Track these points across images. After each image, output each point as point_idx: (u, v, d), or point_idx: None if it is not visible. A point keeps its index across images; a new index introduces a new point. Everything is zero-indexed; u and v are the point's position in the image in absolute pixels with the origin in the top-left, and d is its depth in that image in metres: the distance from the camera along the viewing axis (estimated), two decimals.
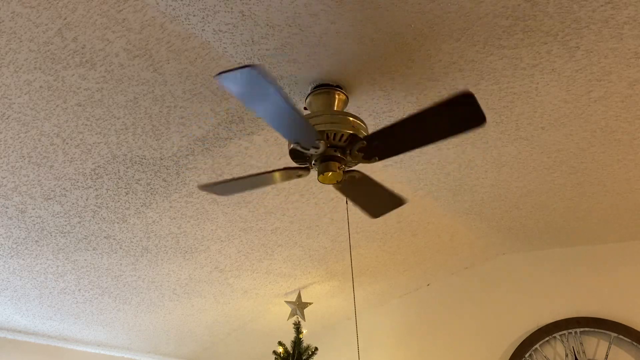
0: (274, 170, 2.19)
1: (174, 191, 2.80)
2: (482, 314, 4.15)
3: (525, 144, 2.64)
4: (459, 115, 1.82)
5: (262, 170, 2.75)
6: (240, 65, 1.82)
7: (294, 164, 2.25)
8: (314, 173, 2.21)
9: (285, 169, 2.19)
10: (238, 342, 4.86)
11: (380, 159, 2.09)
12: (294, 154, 2.13)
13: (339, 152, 2.07)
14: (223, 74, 1.61)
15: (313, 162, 2.12)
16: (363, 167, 2.50)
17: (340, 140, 2.05)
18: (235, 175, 2.75)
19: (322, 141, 1.98)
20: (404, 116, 2.31)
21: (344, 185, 2.27)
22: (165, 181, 2.72)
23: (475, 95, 1.74)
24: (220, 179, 2.76)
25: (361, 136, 2.05)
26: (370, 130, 2.53)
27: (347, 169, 2.17)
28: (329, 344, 4.77)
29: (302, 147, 2.02)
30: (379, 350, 4.53)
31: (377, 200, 2.44)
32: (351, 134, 2.04)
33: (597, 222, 3.46)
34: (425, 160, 2.79)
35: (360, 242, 3.62)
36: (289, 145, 2.08)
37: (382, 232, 3.53)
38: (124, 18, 1.83)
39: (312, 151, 2.03)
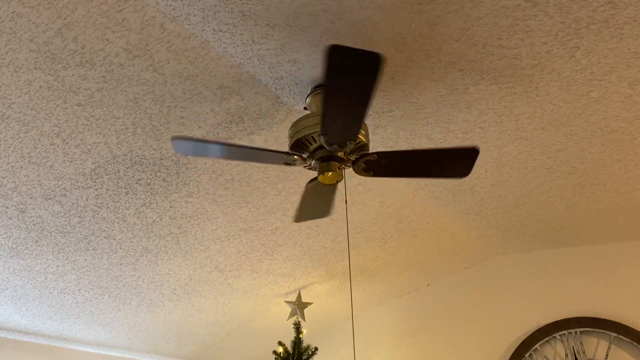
0: (268, 150, 2.16)
1: (174, 191, 2.80)
2: (482, 314, 4.15)
3: (525, 144, 2.64)
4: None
5: (262, 170, 2.75)
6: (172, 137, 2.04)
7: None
8: (314, 173, 2.21)
9: (279, 152, 2.15)
10: (238, 342, 4.86)
11: (375, 175, 2.19)
12: (295, 147, 2.12)
13: (341, 152, 2.08)
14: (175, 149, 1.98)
15: (313, 162, 2.12)
16: (352, 174, 2.50)
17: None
18: (236, 176, 2.76)
19: (295, 156, 2.12)
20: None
21: (376, 170, 2.21)
22: (165, 181, 2.72)
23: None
24: (221, 179, 2.76)
25: (365, 142, 2.11)
26: (371, 129, 2.53)
27: (356, 157, 2.15)
28: (329, 344, 4.77)
29: (289, 164, 2.16)
30: (379, 350, 4.53)
31: (444, 161, 2.22)
32: (365, 145, 2.12)
33: (597, 222, 3.46)
34: None
35: (360, 242, 3.62)
36: (292, 138, 2.09)
37: (382, 232, 3.53)
38: (124, 18, 1.83)
39: (297, 163, 2.16)
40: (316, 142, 2.07)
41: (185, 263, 3.50)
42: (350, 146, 2.03)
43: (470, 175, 2.91)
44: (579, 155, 2.72)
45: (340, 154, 2.09)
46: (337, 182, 2.13)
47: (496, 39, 1.98)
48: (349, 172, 2.49)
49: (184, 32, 1.92)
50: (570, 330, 3.70)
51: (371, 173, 2.20)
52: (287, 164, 2.13)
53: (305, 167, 2.18)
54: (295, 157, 2.10)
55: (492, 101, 2.33)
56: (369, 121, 2.45)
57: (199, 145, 1.99)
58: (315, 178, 2.24)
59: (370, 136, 2.55)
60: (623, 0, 1.80)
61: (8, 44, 1.86)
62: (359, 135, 2.06)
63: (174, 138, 1.94)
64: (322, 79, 1.78)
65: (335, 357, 4.70)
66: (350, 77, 1.72)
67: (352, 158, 2.16)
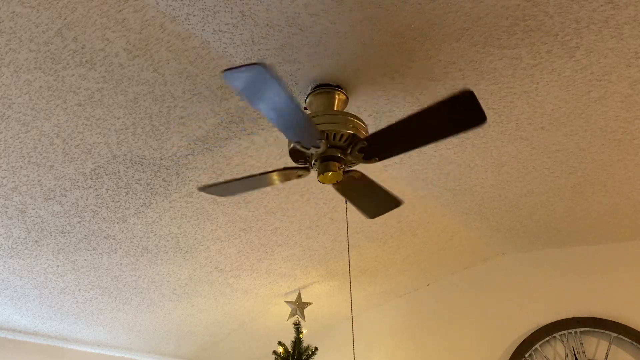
0: (273, 171, 2.19)
1: (174, 191, 2.80)
2: (482, 314, 4.15)
3: (525, 144, 2.64)
4: (459, 114, 1.81)
5: (262, 170, 2.75)
6: (246, 63, 1.78)
7: (294, 164, 2.25)
8: (314, 173, 2.21)
9: (285, 169, 2.19)
10: (238, 342, 4.86)
11: (381, 159, 2.09)
12: (294, 154, 2.13)
13: (339, 152, 2.07)
14: (229, 71, 1.60)
15: (313, 162, 2.12)
16: (363, 168, 2.51)
17: (340, 140, 2.05)
18: (236, 176, 2.75)
19: (323, 141, 1.99)
20: (404, 116, 2.33)
21: (342, 185, 2.27)
22: (165, 181, 2.72)
23: (475, 94, 1.72)
24: (221, 179, 2.76)
25: (361, 136, 2.06)
26: (371, 130, 2.53)
27: (347, 169, 2.17)
28: (329, 344, 4.76)
29: (303, 147, 2.02)
30: (379, 350, 4.53)
31: (375, 201, 2.43)
32: (352, 134, 2.04)
33: (597, 222, 3.46)
34: (425, 160, 2.79)
35: (360, 242, 3.62)
36: (290, 144, 2.08)
37: (382, 232, 3.53)
38: (124, 18, 1.83)
39: (312, 151, 2.04)
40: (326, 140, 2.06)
41: (185, 263, 3.50)
42: (323, 143, 1.99)
43: (470, 175, 2.92)
44: (579, 155, 2.72)
45: (338, 152, 2.08)
46: (338, 182, 2.13)
47: (496, 39, 1.98)
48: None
49: (184, 32, 1.92)
50: (570, 330, 3.70)
51: (376, 159, 2.10)
52: (299, 142, 2.03)
53: (298, 161, 2.18)
54: (301, 172, 2.15)
55: (492, 101, 2.33)
56: (369, 121, 2.45)
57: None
58: (291, 168, 2.21)
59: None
60: (623, 0, 1.80)
61: (8, 44, 1.86)
62: (337, 128, 2.02)
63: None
64: (430, 105, 1.79)
65: (335, 357, 4.69)
66: (448, 119, 1.80)
67: (348, 167, 2.16)
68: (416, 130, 1.92)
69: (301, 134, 1.95)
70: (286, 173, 2.20)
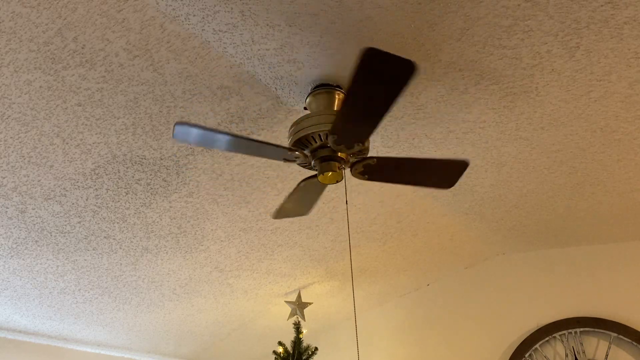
0: (298, 186, 2.28)
1: (173, 191, 2.80)
2: (482, 314, 4.15)
3: (525, 144, 2.64)
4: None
5: (263, 170, 2.75)
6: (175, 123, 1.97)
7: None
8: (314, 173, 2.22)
9: (304, 180, 2.24)
10: (238, 342, 4.86)
11: (361, 142, 2.05)
12: (296, 146, 2.14)
13: (330, 151, 2.08)
14: (174, 134, 1.92)
15: (312, 164, 2.13)
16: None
17: (326, 139, 2.07)
18: (236, 176, 2.76)
19: (296, 152, 2.09)
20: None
21: (370, 175, 2.23)
22: (165, 181, 2.72)
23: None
24: (221, 179, 2.76)
25: (367, 146, 2.11)
26: None
27: (354, 161, 2.16)
28: (329, 344, 4.77)
29: (289, 160, 2.14)
30: (379, 350, 4.53)
31: (432, 171, 2.27)
32: (326, 132, 2.06)
33: (597, 222, 3.46)
34: None
35: (360, 242, 3.62)
36: (293, 137, 2.12)
37: (382, 232, 3.53)
38: (124, 18, 1.83)
39: (299, 161, 2.14)
40: (317, 141, 2.07)
41: (185, 263, 3.50)
42: (357, 147, 2.04)
43: (470, 175, 2.92)
44: (579, 155, 2.72)
45: (341, 154, 2.09)
46: (337, 182, 2.13)
47: (496, 39, 1.98)
48: (349, 172, 2.48)
49: (184, 32, 1.92)
50: (570, 330, 3.70)
51: (366, 177, 2.21)
52: (286, 159, 2.11)
53: (303, 165, 2.18)
54: (297, 153, 2.09)
55: (492, 101, 2.33)
56: None
57: (202, 133, 1.94)
58: (310, 177, 2.24)
59: (370, 137, 2.55)
60: (623, 0, 1.80)
61: (8, 44, 1.86)
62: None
63: (177, 123, 1.87)
64: (350, 79, 1.73)
65: (335, 357, 4.70)
66: (378, 82, 1.72)
67: (352, 160, 2.16)
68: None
69: (277, 155, 2.08)
70: (308, 183, 2.30)
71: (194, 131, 1.91)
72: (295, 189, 2.35)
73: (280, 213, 2.56)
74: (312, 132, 2.05)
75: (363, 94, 1.78)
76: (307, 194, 2.39)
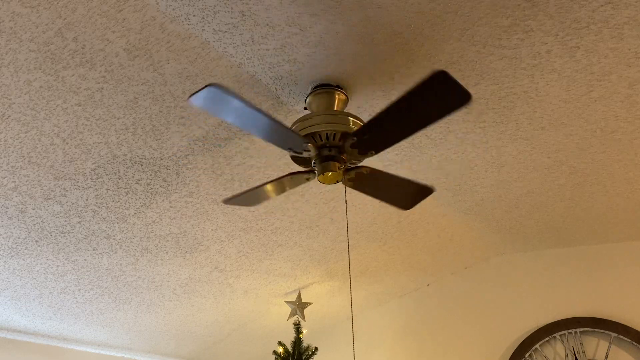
0: (281, 177, 2.23)
1: (174, 191, 2.80)
2: (482, 314, 4.15)
3: (525, 144, 2.64)
4: (440, 95, 1.78)
5: (262, 170, 2.75)
6: (202, 86, 1.75)
7: (296, 165, 2.27)
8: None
9: (291, 174, 2.21)
10: (238, 342, 4.86)
11: (377, 152, 2.07)
12: (295, 159, 2.15)
13: (335, 151, 2.08)
14: (192, 96, 1.69)
15: (313, 163, 2.13)
16: (370, 163, 2.51)
17: (335, 139, 2.06)
18: (236, 176, 2.76)
19: (309, 144, 2.03)
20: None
21: (356, 182, 2.26)
22: (165, 181, 2.72)
23: (450, 73, 1.68)
24: (221, 179, 2.76)
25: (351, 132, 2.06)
26: None
27: (349, 167, 2.16)
28: (329, 344, 4.77)
29: (296, 152, 2.07)
30: (379, 350, 4.53)
31: (402, 192, 2.38)
32: (343, 132, 2.05)
33: (597, 222, 3.46)
34: (425, 160, 2.79)
35: (360, 242, 3.62)
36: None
37: (382, 232, 3.53)
38: (124, 18, 1.83)
39: (305, 154, 2.08)
40: (319, 141, 2.06)
41: (185, 263, 3.50)
42: (368, 155, 2.06)
43: (470, 175, 2.92)
44: (579, 155, 2.72)
45: (344, 155, 2.09)
46: (337, 182, 2.13)
47: (496, 39, 1.98)
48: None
49: (184, 32, 1.92)
50: (570, 330, 3.70)
51: (372, 152, 2.11)
52: (292, 149, 2.06)
53: (299, 162, 2.18)
54: (310, 144, 2.04)
55: (492, 101, 2.33)
56: None
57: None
58: (296, 172, 2.23)
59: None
60: (623, 0, 1.80)
61: (8, 44, 1.86)
62: (332, 128, 2.05)
63: (211, 85, 1.69)
64: (408, 90, 1.75)
65: (335, 357, 4.70)
66: (431, 102, 1.75)
67: (351, 164, 2.16)
68: (403, 118, 1.91)
69: (286, 142, 2.00)
70: (295, 178, 2.23)
71: (226, 97, 1.76)
72: (280, 179, 2.27)
73: (231, 200, 2.44)
74: (316, 131, 2.04)
75: (410, 108, 1.80)
76: (279, 188, 2.33)
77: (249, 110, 1.79)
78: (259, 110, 1.80)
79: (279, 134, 1.95)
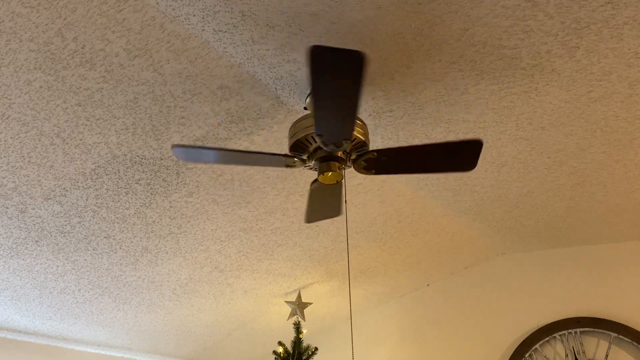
0: (263, 152, 2.23)
1: (174, 191, 2.80)
2: (482, 314, 4.15)
3: (525, 144, 2.64)
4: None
5: (263, 170, 2.75)
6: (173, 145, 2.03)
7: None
8: (314, 172, 2.21)
9: (284, 155, 2.18)
10: (238, 342, 4.86)
11: (377, 173, 2.16)
12: (295, 148, 2.13)
13: (335, 152, 2.08)
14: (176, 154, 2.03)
15: (313, 161, 2.13)
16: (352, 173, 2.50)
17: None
18: (236, 176, 2.76)
19: (294, 158, 2.11)
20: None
21: (375, 168, 2.19)
22: (165, 181, 2.72)
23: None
24: (221, 179, 2.76)
25: (364, 141, 2.09)
26: (370, 130, 2.53)
27: (355, 157, 2.16)
28: (329, 344, 4.77)
29: (290, 166, 2.15)
30: (379, 350, 4.53)
31: (450, 156, 2.17)
32: (362, 142, 2.08)
33: (597, 222, 3.46)
34: None
35: (360, 242, 3.62)
36: (293, 137, 2.09)
37: (382, 232, 3.53)
38: (124, 18, 1.83)
39: (297, 165, 2.15)
40: (315, 142, 2.07)
41: (185, 263, 3.50)
42: (347, 145, 2.03)
43: (470, 175, 2.92)
44: (579, 155, 2.72)
45: (339, 153, 2.08)
46: (338, 182, 2.13)
47: (496, 39, 1.98)
48: (348, 172, 2.48)
49: (184, 32, 1.92)
50: (570, 330, 3.70)
51: (373, 171, 2.17)
52: (288, 166, 2.13)
53: (305, 167, 2.18)
54: (295, 159, 2.10)
55: (492, 101, 2.33)
56: (369, 121, 2.45)
57: (199, 152, 2.05)
58: (284, 155, 2.21)
59: (370, 136, 2.55)
60: (623, 0, 1.80)
61: (8, 44, 1.86)
62: (356, 134, 2.05)
63: (174, 146, 2.00)
64: (308, 80, 1.74)
65: (335, 357, 4.69)
66: (335, 77, 1.70)
67: (352, 157, 2.16)
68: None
69: (273, 162, 2.11)
70: (277, 158, 2.16)
71: (192, 151, 2.06)
72: (309, 194, 2.36)
73: (310, 217, 2.58)
74: (311, 133, 2.05)
75: (326, 91, 1.77)
76: (326, 195, 2.38)
77: (229, 154, 2.01)
78: (236, 150, 2.00)
79: (266, 161, 2.10)
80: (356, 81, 1.71)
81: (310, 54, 1.58)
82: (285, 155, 2.10)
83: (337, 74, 1.69)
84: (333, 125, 1.92)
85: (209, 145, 2.52)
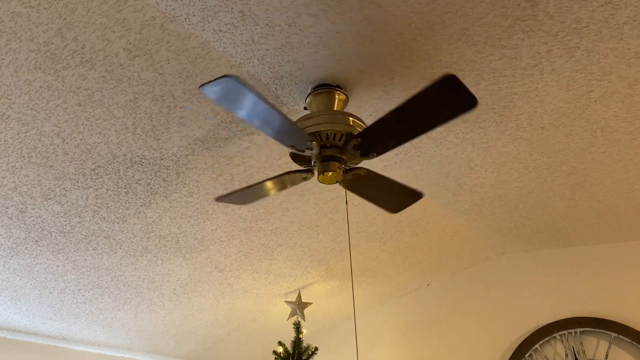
0: (280, 175, 2.22)
1: (174, 191, 2.80)
2: (482, 314, 4.15)
3: (525, 144, 2.64)
4: (448, 99, 1.77)
5: (263, 171, 2.75)
6: (220, 75, 1.77)
7: (295, 165, 2.26)
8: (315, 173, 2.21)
9: (289, 172, 2.20)
10: (238, 342, 4.86)
11: (379, 154, 2.06)
12: (295, 158, 2.14)
13: (336, 151, 2.07)
14: (206, 85, 1.65)
15: (313, 162, 2.12)
16: (369, 165, 2.51)
17: (336, 139, 2.05)
18: (236, 176, 2.76)
19: (314, 142, 2.00)
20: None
21: (351, 184, 2.26)
22: (165, 181, 2.72)
23: (459, 78, 1.70)
24: (221, 179, 2.76)
25: (355, 133, 2.05)
26: None
27: (348, 167, 2.16)
28: (329, 344, 4.77)
29: (298, 150, 2.04)
30: (379, 350, 4.53)
31: (393, 196, 2.41)
32: (347, 132, 2.04)
33: (597, 222, 3.46)
34: (425, 160, 2.79)
35: (360, 242, 3.62)
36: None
37: (382, 232, 3.53)
38: (124, 18, 1.83)
39: (307, 152, 2.05)
40: (319, 141, 2.06)
41: (185, 263, 3.50)
42: (370, 157, 2.05)
43: (470, 175, 2.92)
44: (579, 155, 2.72)
45: (343, 155, 2.08)
46: (337, 182, 2.13)
47: (496, 39, 1.98)
48: None
49: (184, 32, 1.92)
50: (570, 330, 3.70)
51: (373, 154, 2.10)
52: (293, 146, 2.05)
53: (299, 162, 2.18)
54: (314, 143, 2.04)
55: (492, 101, 2.33)
56: (369, 121, 2.45)
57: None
58: (295, 171, 2.22)
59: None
60: (623, 0, 1.80)
61: (8, 44, 1.86)
62: (335, 128, 2.05)
63: (227, 76, 1.67)
64: (416, 92, 1.76)
65: (335, 357, 4.70)
66: (438, 105, 1.75)
67: (351, 165, 2.16)
68: (408, 121, 1.90)
69: (290, 138, 1.98)
70: (292, 177, 2.22)
71: (242, 90, 1.74)
72: (276, 178, 2.26)
73: (231, 197, 2.41)
74: (316, 131, 2.04)
75: (417, 111, 1.80)
76: (274, 187, 2.33)
77: (262, 106, 1.78)
78: (271, 106, 1.78)
79: (285, 130, 1.92)
80: (447, 118, 1.79)
81: (443, 77, 1.65)
82: (301, 172, 2.13)
83: (443, 104, 1.74)
84: (385, 136, 1.95)
85: (209, 145, 2.52)
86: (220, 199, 2.34)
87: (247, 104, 1.77)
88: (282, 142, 2.00)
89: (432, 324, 4.36)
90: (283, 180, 2.25)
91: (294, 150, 2.06)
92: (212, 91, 1.69)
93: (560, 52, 2.04)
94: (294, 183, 2.26)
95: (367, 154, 2.05)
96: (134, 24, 1.86)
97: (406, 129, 1.91)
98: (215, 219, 3.08)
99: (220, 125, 2.41)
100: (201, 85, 1.66)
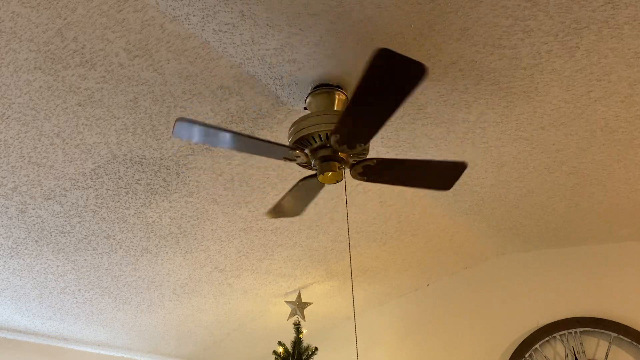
0: (294, 187, 2.27)
1: (174, 191, 2.80)
2: (482, 313, 4.15)
3: (525, 144, 2.64)
4: (394, 72, 1.75)
5: (263, 170, 2.75)
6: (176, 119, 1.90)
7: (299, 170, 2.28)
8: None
9: (301, 180, 2.24)
10: (238, 342, 4.86)
11: (365, 142, 2.04)
12: (299, 164, 2.18)
13: (331, 150, 2.08)
14: (174, 132, 1.88)
15: (312, 164, 2.13)
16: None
17: (323, 139, 2.06)
18: (236, 176, 2.75)
19: (296, 151, 2.07)
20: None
21: (368, 176, 2.22)
22: (165, 181, 2.72)
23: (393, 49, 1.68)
24: (221, 179, 2.76)
25: (368, 147, 2.10)
26: None
27: (354, 162, 2.16)
28: (329, 344, 4.76)
29: (290, 160, 2.12)
30: (379, 350, 4.53)
31: (433, 174, 2.29)
32: (328, 131, 2.06)
33: (597, 222, 3.46)
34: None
35: (360, 242, 3.62)
36: (295, 135, 2.12)
37: (382, 232, 3.53)
38: (124, 18, 1.83)
39: (299, 160, 2.12)
40: (317, 141, 2.06)
41: (185, 263, 3.50)
42: (358, 149, 2.03)
43: (470, 175, 2.92)
44: (579, 155, 2.72)
45: (342, 154, 2.08)
46: (337, 182, 2.13)
47: (496, 39, 1.98)
48: (349, 171, 2.48)
49: (184, 32, 1.92)
50: (570, 330, 3.70)
51: (365, 178, 2.21)
52: (286, 158, 2.11)
53: (303, 165, 2.18)
54: (298, 152, 2.08)
55: (492, 101, 2.33)
56: None
57: (204, 130, 1.94)
58: (308, 177, 2.24)
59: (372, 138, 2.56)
60: (623, 0, 1.80)
61: (8, 44, 1.86)
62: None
63: (178, 120, 1.84)
64: (359, 78, 1.72)
65: (335, 357, 4.69)
66: (387, 83, 1.71)
67: (353, 161, 2.16)
68: (370, 105, 1.88)
69: (275, 153, 2.07)
70: (307, 183, 2.29)
71: (196, 128, 1.90)
72: (293, 188, 2.34)
73: (276, 211, 2.54)
74: (313, 132, 2.05)
75: (371, 94, 1.77)
76: (304, 194, 2.38)
77: (226, 135, 1.93)
78: (241, 134, 1.92)
79: (268, 150, 2.04)
80: (405, 92, 1.73)
81: (375, 54, 1.60)
82: (289, 147, 2.07)
83: (391, 79, 1.70)
84: (357, 127, 1.92)
85: (209, 145, 2.51)
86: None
87: (215, 139, 1.96)
88: (271, 157, 2.10)
89: (432, 324, 4.36)
90: (300, 190, 2.34)
91: (287, 161, 2.13)
92: (182, 134, 1.91)
93: (560, 52, 2.04)
94: (314, 190, 2.34)
95: (353, 146, 2.03)
96: (134, 24, 1.86)
97: (373, 112, 1.87)
98: (215, 219, 3.08)
99: (220, 126, 2.41)
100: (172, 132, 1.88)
